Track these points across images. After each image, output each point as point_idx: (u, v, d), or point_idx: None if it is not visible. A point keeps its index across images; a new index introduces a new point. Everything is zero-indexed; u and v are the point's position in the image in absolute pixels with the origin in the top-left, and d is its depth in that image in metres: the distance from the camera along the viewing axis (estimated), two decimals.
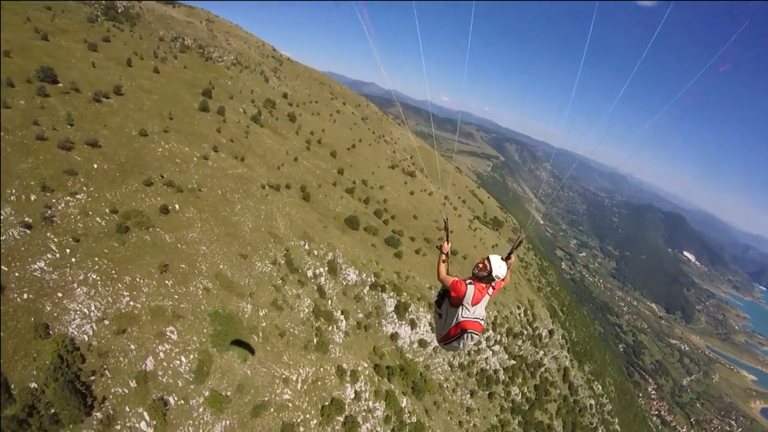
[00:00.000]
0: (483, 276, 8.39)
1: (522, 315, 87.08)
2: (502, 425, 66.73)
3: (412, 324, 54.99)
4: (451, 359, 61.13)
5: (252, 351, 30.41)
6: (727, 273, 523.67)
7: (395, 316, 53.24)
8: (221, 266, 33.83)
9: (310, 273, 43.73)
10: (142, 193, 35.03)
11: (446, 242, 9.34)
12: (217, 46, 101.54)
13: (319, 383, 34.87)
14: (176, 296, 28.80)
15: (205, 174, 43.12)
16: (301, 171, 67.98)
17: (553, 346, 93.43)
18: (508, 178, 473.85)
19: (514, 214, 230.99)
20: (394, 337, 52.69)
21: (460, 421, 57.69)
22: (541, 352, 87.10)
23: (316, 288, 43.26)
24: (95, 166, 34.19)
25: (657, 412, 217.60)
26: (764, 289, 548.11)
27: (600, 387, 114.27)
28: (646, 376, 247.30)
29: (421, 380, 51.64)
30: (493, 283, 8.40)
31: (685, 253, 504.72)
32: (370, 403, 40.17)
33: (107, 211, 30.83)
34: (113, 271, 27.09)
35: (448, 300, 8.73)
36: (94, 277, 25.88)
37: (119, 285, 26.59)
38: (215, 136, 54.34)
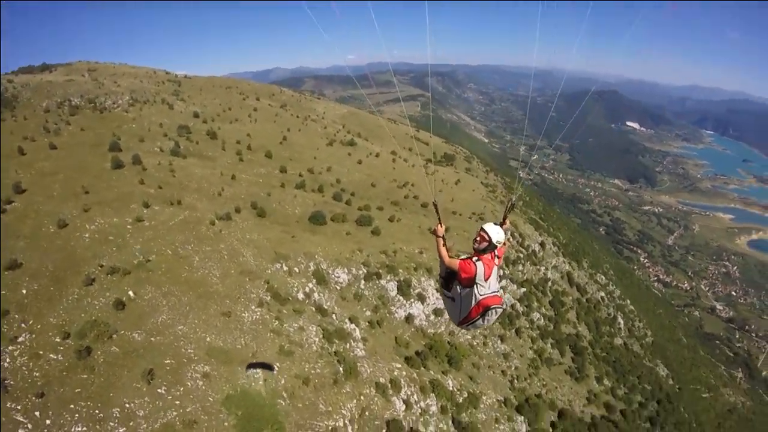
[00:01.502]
0: (485, 248, 8.31)
1: (510, 239, 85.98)
2: (539, 355, 66.21)
3: (421, 298, 51.78)
4: None
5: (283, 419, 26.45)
6: (673, 129, 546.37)
7: (401, 298, 49.87)
8: (208, 339, 28.73)
9: (300, 295, 39.40)
10: (87, 297, 29.39)
11: (439, 225, 8.99)
12: (108, 92, 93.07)
13: (367, 413, 31.07)
14: (177, 402, 23.96)
15: (146, 239, 37.41)
16: (244, 187, 62.48)
17: (549, 257, 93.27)
18: (439, 110, 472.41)
19: (459, 143, 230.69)
20: (409, 319, 49.53)
21: (503, 371, 56.18)
22: (542, 267, 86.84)
23: (314, 309, 38.90)
24: (24, 291, 28.45)
25: (656, 278, 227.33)
26: (711, 132, 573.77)
27: (603, 277, 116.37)
28: (634, 248, 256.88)
29: (452, 350, 49.19)
30: (496, 251, 8.34)
31: (629, 123, 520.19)
32: (422, 404, 37.06)
33: (58, 340, 25.24)
34: (97, 411, 22.09)
35: (457, 281, 8.42)
36: (80, 429, 21.38)
37: (111, 423, 21.83)
38: (141, 190, 48.10)
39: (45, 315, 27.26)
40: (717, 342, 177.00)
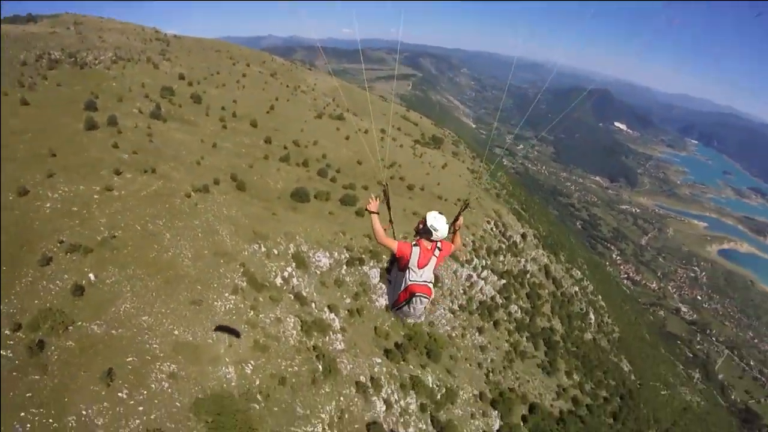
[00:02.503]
0: (422, 233, 8.32)
1: (494, 228, 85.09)
2: (514, 348, 65.56)
3: None
4: (450, 305, 57.50)
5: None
6: (659, 134, 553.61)
7: (383, 286, 47.44)
8: (176, 332, 26.02)
9: (278, 281, 36.87)
10: (42, 281, 26.39)
11: (371, 198, 8.63)
12: (91, 48, 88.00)
13: (347, 416, 29.26)
14: (140, 407, 21.22)
15: (113, 211, 34.19)
16: (225, 156, 59.19)
17: (529, 249, 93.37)
18: (430, 92, 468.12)
19: (447, 126, 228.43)
20: (390, 307, 47.40)
21: (479, 363, 55.24)
22: (522, 259, 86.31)
23: (292, 297, 36.57)
24: None
25: (626, 275, 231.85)
26: (696, 142, 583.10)
27: (578, 272, 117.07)
28: (608, 245, 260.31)
29: (431, 341, 47.57)
30: (438, 244, 8.28)
31: (616, 123, 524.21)
32: (402, 403, 35.80)
33: (8, 332, 22.48)
34: (51, 419, 19.34)
35: (396, 265, 8.50)
36: None
37: None
38: (113, 155, 44.41)
39: None
40: (678, 342, 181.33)
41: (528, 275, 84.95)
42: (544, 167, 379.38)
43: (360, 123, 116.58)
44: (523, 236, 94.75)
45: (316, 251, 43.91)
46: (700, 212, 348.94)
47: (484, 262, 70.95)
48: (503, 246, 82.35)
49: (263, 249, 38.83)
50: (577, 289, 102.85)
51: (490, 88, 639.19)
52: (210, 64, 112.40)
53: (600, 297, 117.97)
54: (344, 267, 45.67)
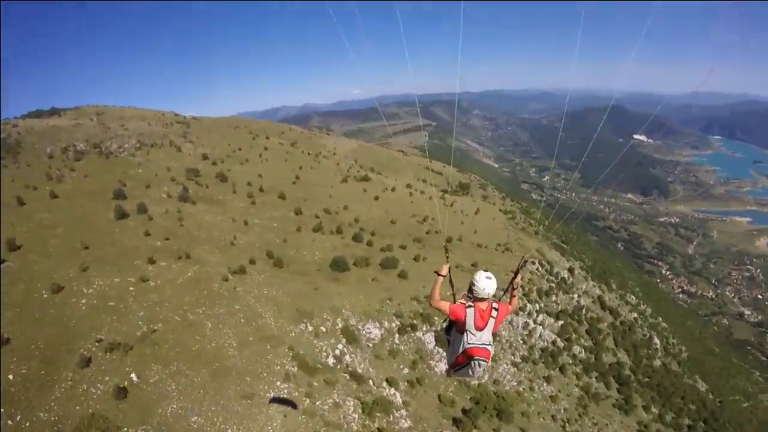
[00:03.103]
0: (473, 295, 8.23)
1: (539, 268, 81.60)
2: (586, 391, 60.43)
3: None
4: (512, 358, 53.56)
5: None
6: (681, 137, 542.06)
7: (440, 350, 44.35)
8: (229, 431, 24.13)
9: (330, 360, 34.27)
10: (82, 384, 24.64)
11: (445, 265, 8.71)
12: (114, 136, 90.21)
13: None
14: None
15: (151, 303, 32.90)
16: (258, 233, 58.14)
17: (578, 282, 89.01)
18: (447, 138, 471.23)
19: (470, 170, 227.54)
20: (448, 368, 43.82)
21: (552, 415, 50.44)
22: (574, 295, 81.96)
23: (348, 377, 33.77)
24: (11, 377, 23.93)
25: (680, 289, 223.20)
26: (719, 137, 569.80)
27: (633, 296, 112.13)
28: (655, 261, 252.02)
29: (500, 401, 43.69)
30: (495, 305, 8.23)
31: (636, 136, 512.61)
32: None
33: None
34: None
35: (455, 327, 8.40)
36: None
37: None
38: (146, 243, 43.94)
39: (35, 408, 22.77)
40: (749, 348, 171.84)
41: (584, 311, 79.99)
42: (573, 194, 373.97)
43: (386, 181, 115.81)
44: (570, 270, 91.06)
45: (366, 323, 41.36)
46: (740, 208, 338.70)
47: (537, 306, 67.12)
48: (552, 285, 78.38)
49: (310, 328, 36.56)
50: (635, 315, 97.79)
51: (504, 125, 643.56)
52: (231, 141, 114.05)
53: (660, 318, 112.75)
54: (396, 335, 42.73)
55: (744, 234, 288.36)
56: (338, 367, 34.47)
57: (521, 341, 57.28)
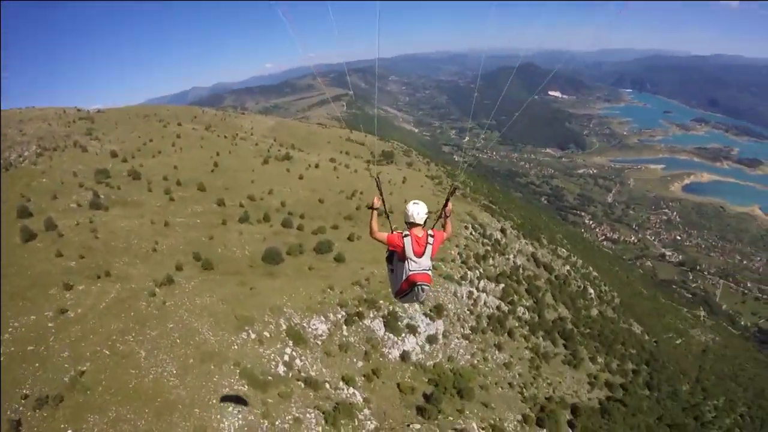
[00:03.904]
0: (410, 223, 8.93)
1: (473, 232, 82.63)
2: (536, 352, 62.24)
3: (412, 329, 45.59)
4: (462, 330, 53.91)
5: None
6: (593, 92, 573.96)
7: (392, 336, 43.53)
8: None
9: (281, 369, 31.96)
10: None
11: (377, 198, 9.42)
12: (13, 144, 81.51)
13: None
14: None
15: (75, 339, 28.72)
16: (181, 233, 53.67)
17: (511, 242, 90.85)
18: (366, 107, 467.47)
19: (392, 137, 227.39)
20: (405, 356, 43.21)
21: (509, 383, 51.51)
22: (510, 255, 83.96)
23: (303, 384, 31.75)
24: None
25: (604, 236, 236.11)
26: (630, 90, 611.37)
27: (563, 250, 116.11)
28: (578, 212, 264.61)
29: (458, 379, 43.82)
30: (430, 232, 8.80)
31: (550, 92, 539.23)
32: None
33: None
34: None
35: (396, 255, 8.87)
36: None
37: None
38: (60, 265, 38.96)
39: None
40: (674, 287, 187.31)
41: (521, 270, 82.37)
42: (494, 152, 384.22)
43: (308, 157, 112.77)
44: (503, 231, 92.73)
45: (310, 318, 39.26)
46: (653, 156, 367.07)
47: (477, 273, 68.01)
48: (488, 248, 79.39)
49: (253, 335, 33.92)
50: (568, 267, 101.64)
51: (421, 88, 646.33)
52: (141, 133, 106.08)
53: (591, 268, 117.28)
54: (344, 327, 41.01)
55: (659, 180, 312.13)
56: (290, 374, 32.29)
57: (468, 312, 57.63)
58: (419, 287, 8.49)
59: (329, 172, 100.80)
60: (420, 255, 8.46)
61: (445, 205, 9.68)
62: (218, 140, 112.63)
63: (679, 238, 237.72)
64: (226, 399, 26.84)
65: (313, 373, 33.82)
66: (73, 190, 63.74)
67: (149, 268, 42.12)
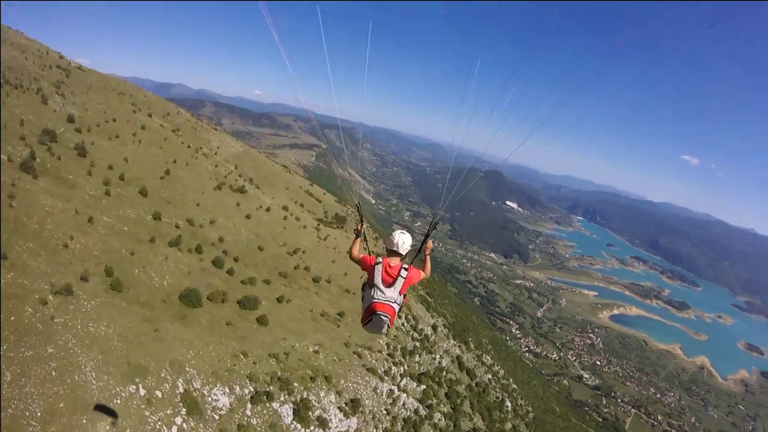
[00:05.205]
0: (392, 251, 8.83)
1: (405, 324, 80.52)
2: None
3: (322, 423, 41.02)
4: (374, 431, 49.63)
5: None
6: (547, 212, 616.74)
7: (299, 426, 38.63)
8: None
9: None
10: None
11: (360, 224, 9.86)
12: None
13: None
14: None
15: None
16: (102, 236, 47.53)
17: (440, 341, 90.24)
18: (333, 164, 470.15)
19: (348, 202, 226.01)
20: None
21: None
22: (437, 355, 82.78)
23: None
24: None
25: (527, 348, 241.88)
26: (581, 218, 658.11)
27: (489, 358, 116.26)
28: (506, 320, 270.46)
29: None
30: (405, 265, 8.55)
31: (508, 202, 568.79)
32: None
33: None
34: None
35: (367, 282, 8.76)
36: None
37: None
38: None
39: None
40: (586, 408, 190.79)
41: (444, 372, 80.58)
42: (441, 244, 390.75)
43: (262, 197, 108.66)
44: (434, 327, 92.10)
45: (213, 387, 34.09)
46: (589, 282, 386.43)
47: (401, 369, 64.86)
48: (417, 344, 77.88)
49: (142, 391, 28.58)
50: (490, 376, 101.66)
51: (390, 164, 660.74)
52: (108, 108, 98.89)
53: (511, 380, 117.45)
54: (249, 405, 35.91)
55: (589, 305, 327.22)
56: None
57: (385, 411, 53.65)
58: (378, 316, 8.21)
59: (278, 220, 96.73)
60: (388, 285, 8.31)
61: (425, 241, 9.44)
62: (180, 147, 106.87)
63: (599, 363, 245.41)
64: None
65: None
66: (11, 141, 56.84)
67: (52, 267, 36.50)
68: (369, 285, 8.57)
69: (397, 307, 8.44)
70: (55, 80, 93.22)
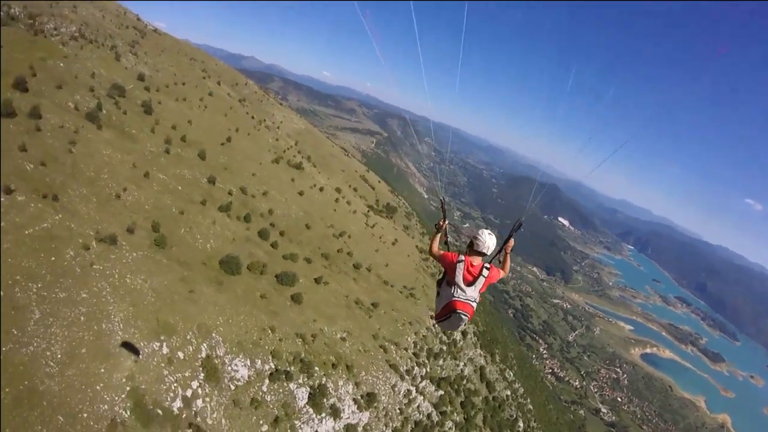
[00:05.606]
0: (475, 251, 8.42)
1: (436, 326, 78.32)
2: None
3: (335, 412, 40.41)
4: (384, 429, 48.48)
5: None
6: (598, 235, 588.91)
7: (311, 410, 38.19)
8: None
9: (176, 405, 26.65)
10: None
11: (443, 220, 9.44)
12: (57, 14, 76.99)
13: None
14: None
15: None
16: (155, 192, 48.59)
17: (467, 348, 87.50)
18: (391, 153, 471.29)
19: (400, 192, 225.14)
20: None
21: None
22: (461, 362, 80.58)
23: None
24: None
25: (551, 370, 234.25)
26: (631, 247, 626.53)
27: (511, 373, 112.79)
28: (536, 337, 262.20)
29: None
30: (486, 265, 8.27)
31: (560, 218, 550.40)
32: None
33: None
34: None
35: (446, 279, 8.52)
36: None
37: None
38: (12, 163, 34.45)
39: None
40: None
41: (464, 381, 78.62)
42: None
43: (317, 177, 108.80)
44: (464, 334, 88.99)
45: (235, 357, 34.05)
46: (627, 315, 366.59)
47: (423, 370, 63.36)
48: (444, 348, 75.91)
49: (165, 350, 28.79)
50: (509, 392, 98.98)
51: (448, 161, 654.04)
52: (178, 71, 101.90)
53: (528, 400, 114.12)
54: (266, 381, 35.66)
55: (623, 339, 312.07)
56: (183, 415, 27.04)
57: (398, 410, 52.54)
58: (458, 315, 7.98)
59: (329, 201, 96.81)
60: (469, 284, 8.08)
61: (507, 241, 9.26)
62: (244, 117, 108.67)
63: (619, 399, 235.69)
64: (97, 418, 21.59)
65: (209, 421, 28.53)
66: (80, 91, 58.77)
67: (101, 215, 37.22)
68: (448, 283, 8.27)
69: (475, 306, 8.22)
70: (130, 40, 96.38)
